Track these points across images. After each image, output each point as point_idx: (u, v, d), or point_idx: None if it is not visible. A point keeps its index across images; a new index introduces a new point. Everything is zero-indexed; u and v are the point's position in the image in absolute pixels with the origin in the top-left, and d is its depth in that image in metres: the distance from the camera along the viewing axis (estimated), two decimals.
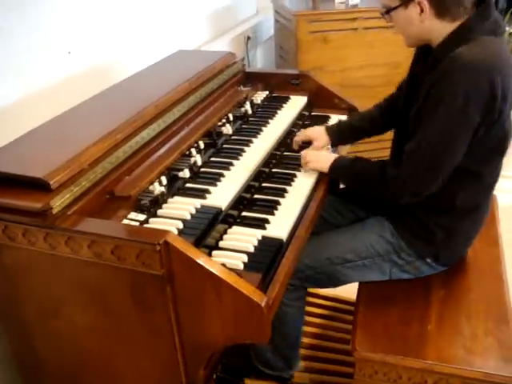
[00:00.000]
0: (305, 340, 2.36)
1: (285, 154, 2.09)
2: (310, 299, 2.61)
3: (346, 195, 2.16)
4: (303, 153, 1.96)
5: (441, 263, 1.85)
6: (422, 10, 1.61)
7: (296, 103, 2.37)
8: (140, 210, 1.54)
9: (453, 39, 1.62)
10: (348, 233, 1.92)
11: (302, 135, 2.11)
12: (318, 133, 2.10)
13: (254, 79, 2.47)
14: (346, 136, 2.13)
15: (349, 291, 2.15)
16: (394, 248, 1.83)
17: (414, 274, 1.87)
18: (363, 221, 1.95)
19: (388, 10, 1.69)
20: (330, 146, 2.12)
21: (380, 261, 1.85)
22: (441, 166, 1.63)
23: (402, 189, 1.69)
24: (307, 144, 2.09)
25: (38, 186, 1.39)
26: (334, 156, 1.90)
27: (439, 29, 1.64)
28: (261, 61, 4.28)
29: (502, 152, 1.72)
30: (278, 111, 2.27)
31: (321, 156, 1.94)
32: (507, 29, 3.67)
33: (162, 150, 1.80)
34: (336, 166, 1.86)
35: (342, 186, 2.17)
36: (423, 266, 1.85)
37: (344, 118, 2.34)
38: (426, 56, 1.76)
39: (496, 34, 1.62)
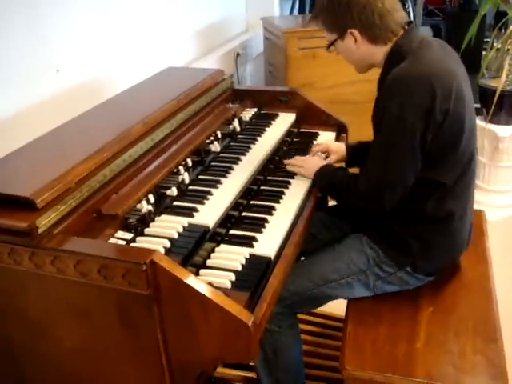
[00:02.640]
0: None
1: (273, 171, 2.08)
2: (298, 316, 2.58)
3: (334, 212, 2.17)
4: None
5: (421, 273, 1.85)
6: (356, 40, 1.77)
7: (284, 120, 2.37)
8: (127, 228, 1.53)
9: (389, 61, 1.75)
10: (328, 253, 1.92)
11: (322, 146, 2.18)
12: (339, 148, 2.17)
13: (242, 96, 2.47)
14: (363, 159, 2.07)
15: (337, 308, 2.15)
16: (375, 261, 1.84)
17: (399, 285, 1.86)
18: (341, 240, 1.95)
19: (330, 44, 1.86)
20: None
21: (363, 276, 1.85)
22: (394, 179, 1.70)
23: (364, 203, 1.81)
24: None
25: (23, 205, 1.38)
26: (321, 164, 1.98)
27: (377, 52, 1.79)
28: (250, 77, 4.30)
29: (454, 154, 1.71)
30: (267, 128, 2.27)
31: (309, 163, 2.01)
32: (495, 44, 3.68)
33: (150, 168, 1.79)
34: (320, 173, 1.94)
35: (330, 203, 2.18)
36: (406, 276, 1.84)
37: (332, 134, 2.35)
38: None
39: (431, 46, 1.72)
